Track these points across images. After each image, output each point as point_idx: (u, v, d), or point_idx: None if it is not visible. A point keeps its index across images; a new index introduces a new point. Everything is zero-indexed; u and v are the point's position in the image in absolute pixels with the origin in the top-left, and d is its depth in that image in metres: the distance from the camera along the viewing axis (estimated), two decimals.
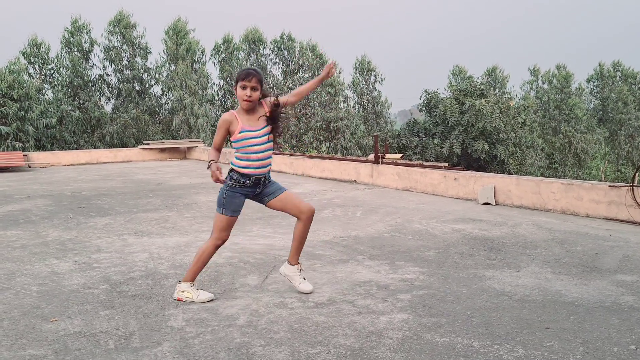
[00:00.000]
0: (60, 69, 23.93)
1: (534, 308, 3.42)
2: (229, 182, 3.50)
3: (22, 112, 19.83)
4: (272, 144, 3.54)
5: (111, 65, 24.96)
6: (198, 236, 5.58)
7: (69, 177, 11.43)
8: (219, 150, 3.54)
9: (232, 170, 3.51)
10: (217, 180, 3.38)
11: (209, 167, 3.44)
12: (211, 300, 3.59)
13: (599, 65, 36.37)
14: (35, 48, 23.35)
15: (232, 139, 3.45)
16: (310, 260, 4.60)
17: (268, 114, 3.50)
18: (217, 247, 3.56)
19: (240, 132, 3.41)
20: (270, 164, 3.58)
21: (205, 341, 2.95)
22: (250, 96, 3.38)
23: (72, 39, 23.93)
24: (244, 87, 3.38)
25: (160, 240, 5.42)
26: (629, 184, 6.27)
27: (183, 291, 3.58)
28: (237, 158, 3.48)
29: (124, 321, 3.25)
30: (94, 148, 21.77)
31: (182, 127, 24.56)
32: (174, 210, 7.14)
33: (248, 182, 3.49)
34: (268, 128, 3.50)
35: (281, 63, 30.06)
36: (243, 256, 4.76)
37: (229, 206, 3.50)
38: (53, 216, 6.81)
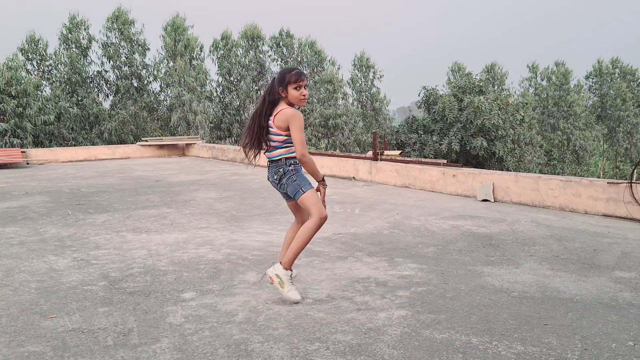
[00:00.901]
0: (58, 66, 23.89)
1: (532, 304, 3.43)
2: (289, 168, 3.51)
3: (20, 109, 19.79)
4: None
5: (109, 62, 24.93)
6: (197, 233, 5.58)
7: (67, 174, 11.41)
8: None
9: (287, 158, 3.52)
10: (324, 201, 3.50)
11: (319, 187, 3.49)
12: (297, 302, 3.46)
13: (598, 62, 36.39)
14: (33, 44, 23.29)
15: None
16: (309, 257, 4.61)
17: None
18: (322, 223, 3.48)
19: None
20: None
21: (204, 337, 2.96)
22: (306, 95, 3.50)
23: (70, 35, 23.88)
24: (298, 88, 3.45)
25: (159, 237, 5.41)
26: (627, 181, 6.28)
27: (279, 276, 3.44)
28: (290, 149, 3.53)
29: (122, 318, 3.25)
30: (92, 145, 21.75)
31: (180, 123, 24.53)
32: (172, 207, 7.14)
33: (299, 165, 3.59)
34: None
35: (280, 59, 30.02)
36: (242, 253, 4.76)
37: (304, 180, 3.51)
38: (51, 213, 6.80)
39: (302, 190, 3.47)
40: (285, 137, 3.47)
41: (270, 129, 3.51)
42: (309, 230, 3.44)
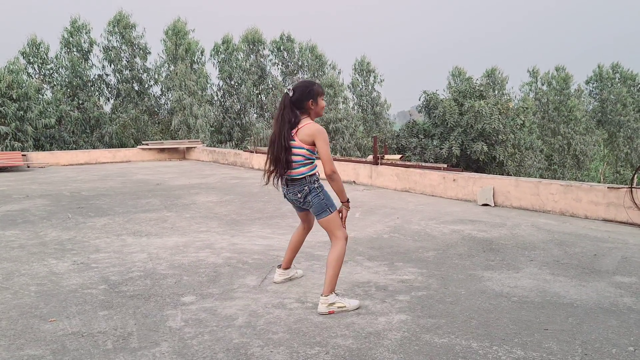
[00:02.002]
0: (60, 69, 23.94)
1: (532, 309, 3.43)
2: (315, 185, 3.48)
3: (21, 112, 19.83)
4: None
5: (110, 66, 24.98)
6: (197, 236, 5.58)
7: (68, 177, 11.42)
8: None
9: (309, 175, 3.48)
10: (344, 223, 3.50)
11: (342, 209, 3.51)
12: (359, 307, 3.46)
13: (598, 67, 36.44)
14: (34, 48, 23.35)
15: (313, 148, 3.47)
16: (310, 261, 4.60)
17: None
18: (346, 244, 3.49)
19: None
20: None
21: (203, 342, 2.95)
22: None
23: (71, 39, 23.94)
24: (324, 99, 3.57)
25: (159, 241, 5.41)
26: (627, 186, 6.28)
27: (332, 303, 3.37)
28: (316, 166, 3.53)
29: (122, 321, 3.25)
30: (93, 148, 21.76)
31: (181, 127, 24.56)
32: (172, 211, 7.14)
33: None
34: None
35: (280, 64, 30.08)
36: (242, 257, 4.76)
37: (331, 199, 3.51)
38: (51, 216, 6.80)
39: (330, 211, 3.45)
40: (308, 152, 3.42)
41: (292, 142, 3.43)
42: (341, 254, 3.42)
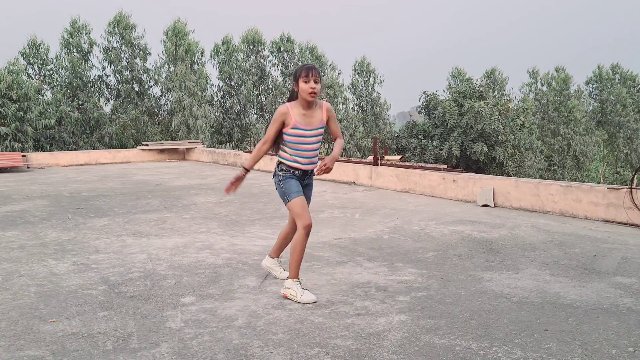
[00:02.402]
0: (60, 70, 23.93)
1: (532, 310, 3.43)
2: (279, 173, 3.63)
3: (21, 113, 19.81)
4: (320, 144, 3.68)
5: (110, 66, 24.97)
6: (197, 237, 5.58)
7: (68, 178, 11.42)
8: (270, 143, 3.59)
9: (280, 162, 3.64)
10: (227, 191, 3.63)
11: (242, 171, 3.62)
12: (314, 302, 3.55)
13: (598, 67, 36.44)
14: (34, 49, 23.34)
15: (283, 130, 3.56)
16: (309, 262, 4.60)
17: (325, 121, 3.65)
18: (308, 232, 3.55)
19: (292, 129, 3.52)
20: (317, 162, 3.69)
21: (203, 342, 2.95)
22: (314, 88, 3.47)
23: (71, 39, 23.94)
24: (306, 81, 3.46)
25: (159, 241, 5.41)
26: (627, 187, 6.28)
27: (289, 288, 3.61)
28: (286, 152, 3.60)
29: (122, 322, 3.25)
30: (93, 149, 21.76)
31: (181, 128, 24.56)
32: (172, 212, 7.14)
33: (297, 172, 3.63)
34: (321, 130, 3.63)
35: (280, 64, 30.08)
36: (242, 257, 4.76)
37: (290, 189, 3.57)
38: (51, 217, 6.80)
39: (287, 199, 3.58)
40: (283, 135, 3.57)
41: None
42: (298, 242, 3.56)
